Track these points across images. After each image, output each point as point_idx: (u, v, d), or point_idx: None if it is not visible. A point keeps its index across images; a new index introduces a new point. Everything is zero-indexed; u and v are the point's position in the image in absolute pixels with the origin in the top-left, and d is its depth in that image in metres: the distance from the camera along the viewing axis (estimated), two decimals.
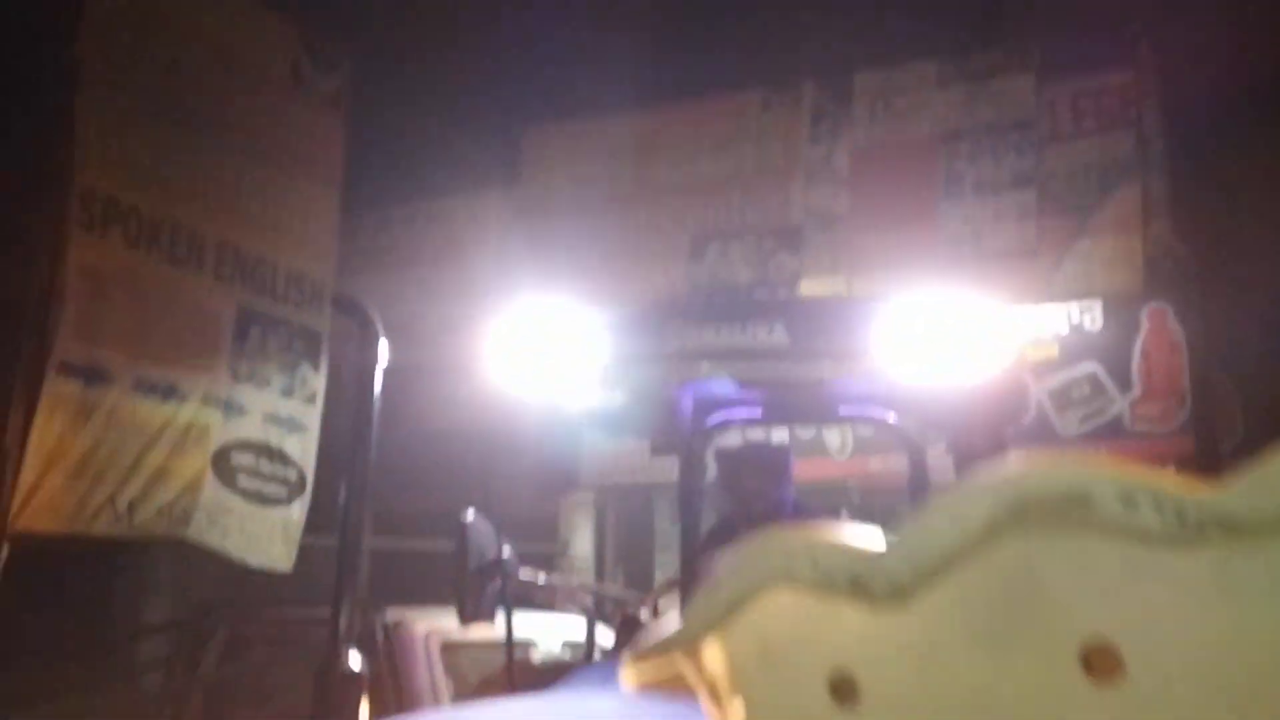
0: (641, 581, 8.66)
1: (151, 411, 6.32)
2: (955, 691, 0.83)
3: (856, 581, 0.87)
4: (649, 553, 9.85)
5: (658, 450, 4.84)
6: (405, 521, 7.98)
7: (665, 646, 0.98)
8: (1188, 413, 7.56)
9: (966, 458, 3.39)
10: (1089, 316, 7.86)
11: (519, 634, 6.53)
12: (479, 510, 3.26)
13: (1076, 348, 7.85)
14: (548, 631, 6.30)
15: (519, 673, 3.88)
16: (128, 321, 6.21)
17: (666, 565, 9.00)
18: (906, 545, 0.86)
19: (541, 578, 3.76)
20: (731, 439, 4.54)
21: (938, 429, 3.85)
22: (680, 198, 8.50)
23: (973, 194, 7.83)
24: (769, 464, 4.04)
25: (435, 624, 5.45)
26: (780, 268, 7.93)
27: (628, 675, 1.08)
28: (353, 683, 3.15)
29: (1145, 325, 7.79)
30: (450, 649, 5.41)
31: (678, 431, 4.50)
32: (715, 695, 0.98)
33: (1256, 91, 7.22)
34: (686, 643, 0.96)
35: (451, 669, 5.39)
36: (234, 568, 6.61)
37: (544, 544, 8.93)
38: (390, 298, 8.43)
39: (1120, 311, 7.75)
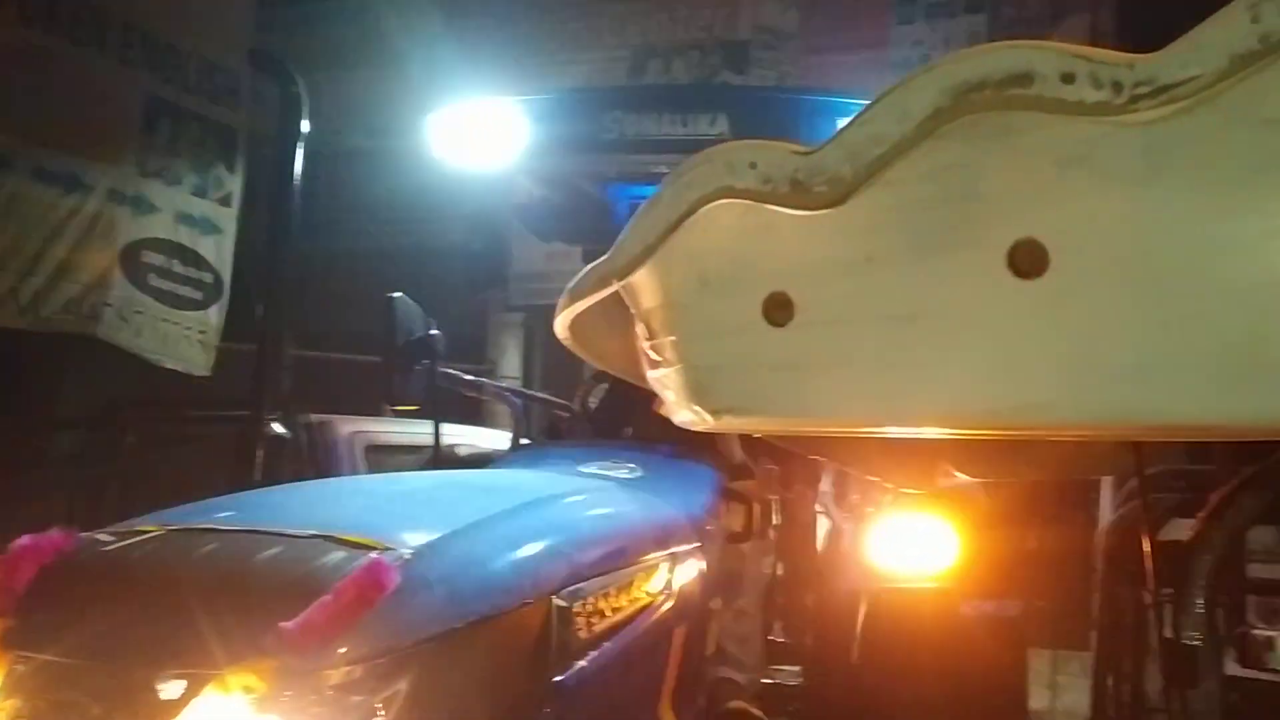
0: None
1: (54, 202, 5.99)
2: (888, 300, 0.78)
3: (797, 182, 0.75)
4: (578, 378, 9.77)
5: (591, 257, 4.66)
6: (330, 341, 7.79)
7: (602, 275, 0.86)
8: None
9: None
10: None
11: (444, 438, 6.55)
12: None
13: None
14: (473, 438, 6.24)
15: (445, 464, 3.79)
16: (24, 104, 5.81)
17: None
18: (847, 140, 0.76)
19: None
20: None
21: None
22: (620, 5, 8.12)
23: (925, 17, 7.59)
24: None
25: (360, 425, 5.33)
26: None
27: (560, 324, 0.95)
28: (279, 444, 3.02)
29: None
30: (375, 451, 5.30)
31: (611, 235, 4.35)
32: (649, 330, 0.86)
33: None
34: (624, 269, 0.84)
35: (376, 470, 5.31)
36: (151, 369, 6.41)
37: (471, 365, 8.83)
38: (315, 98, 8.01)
39: None
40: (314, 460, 5.21)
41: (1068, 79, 0.68)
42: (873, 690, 3.14)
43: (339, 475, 5.04)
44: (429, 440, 6.49)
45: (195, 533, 1.73)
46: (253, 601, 1.53)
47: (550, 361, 9.45)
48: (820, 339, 0.78)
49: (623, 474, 2.75)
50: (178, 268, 6.65)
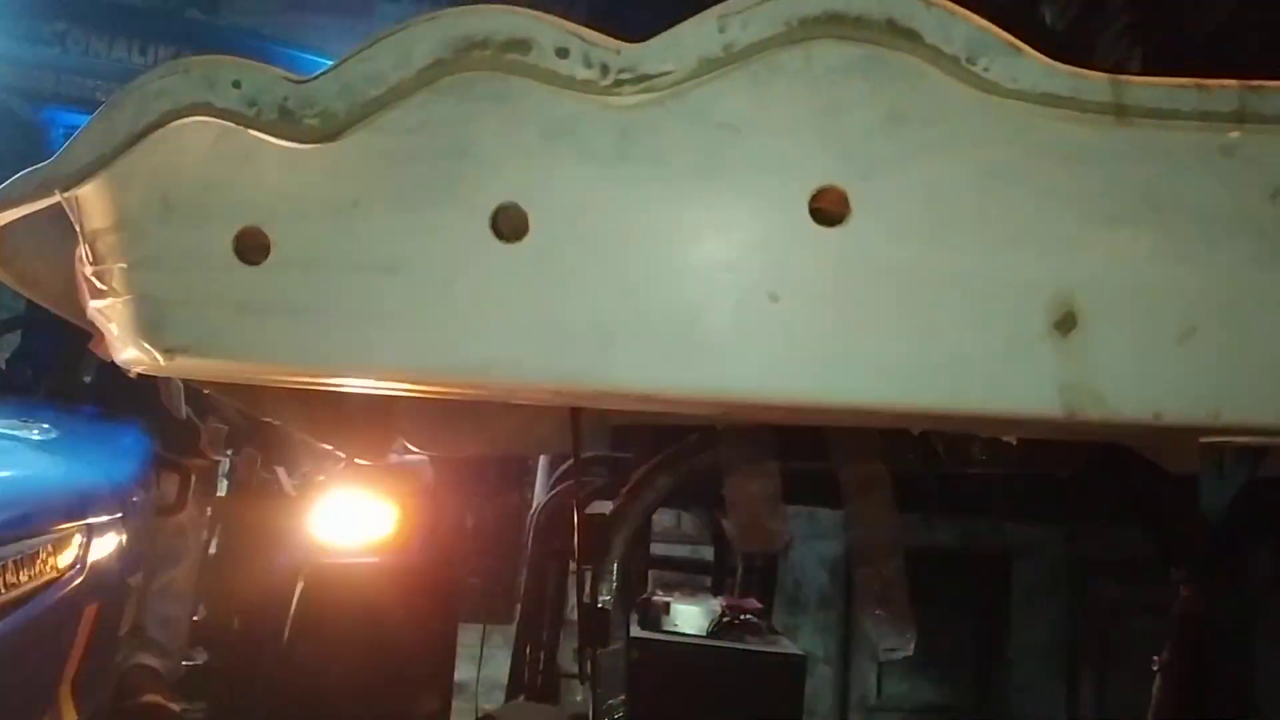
0: None
1: None
2: (369, 249, 0.76)
3: (286, 111, 0.72)
4: None
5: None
6: None
7: (43, 182, 0.74)
8: None
9: None
10: None
11: None
12: None
13: None
14: None
15: None
16: None
17: None
18: (344, 75, 0.74)
19: None
20: None
21: None
22: None
23: None
24: None
25: None
26: None
27: None
28: None
29: None
30: None
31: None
32: (95, 254, 0.76)
33: None
34: (71, 179, 0.73)
35: None
36: None
37: None
38: None
39: None
40: None
41: (562, 53, 0.71)
42: (302, 667, 3.07)
43: None
44: None
45: None
46: None
47: None
48: (295, 282, 0.74)
49: (33, 434, 2.43)
50: None
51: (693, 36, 0.70)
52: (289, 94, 0.71)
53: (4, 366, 3.28)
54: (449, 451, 2.41)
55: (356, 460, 2.75)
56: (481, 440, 2.14)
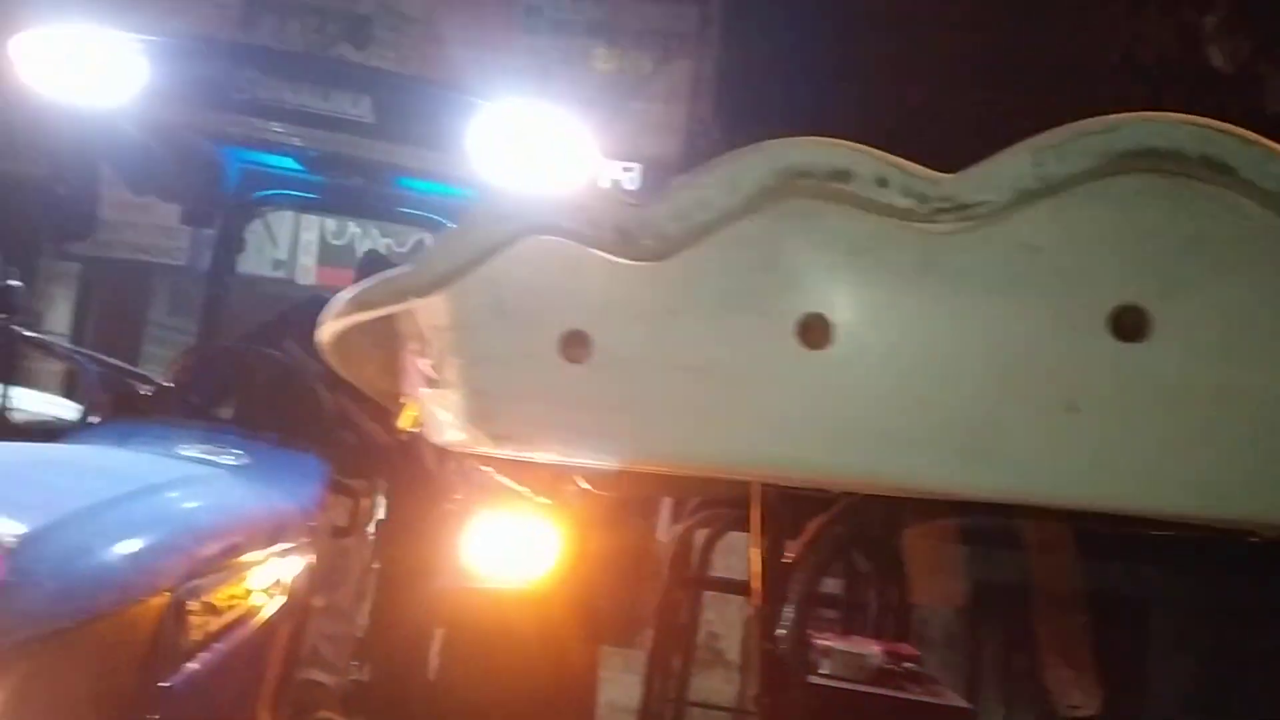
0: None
1: None
2: (683, 351, 0.83)
3: (625, 232, 0.79)
4: (136, 345, 8.91)
5: (192, 219, 4.29)
6: None
7: (399, 289, 0.83)
8: None
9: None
10: (629, 177, 8.25)
11: None
12: None
13: None
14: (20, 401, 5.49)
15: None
16: None
17: (156, 359, 8.21)
18: (678, 201, 0.80)
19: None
20: None
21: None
22: None
23: (549, 31, 7.81)
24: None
25: None
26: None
27: (332, 330, 0.90)
28: None
29: None
30: None
31: (217, 200, 4.00)
32: (431, 350, 0.84)
33: None
34: (427, 288, 0.82)
35: None
36: None
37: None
38: None
39: (656, 177, 8.21)
40: None
41: (882, 183, 0.77)
42: (452, 688, 3.18)
43: None
44: None
45: None
46: None
47: (107, 325, 8.56)
48: (613, 379, 0.81)
49: (229, 460, 2.58)
50: None
51: (1010, 170, 0.74)
52: (628, 217, 0.78)
53: (188, 390, 3.47)
54: (623, 493, 2.48)
55: (538, 498, 2.84)
56: (656, 485, 2.20)
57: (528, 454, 0.86)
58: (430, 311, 0.83)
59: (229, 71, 3.08)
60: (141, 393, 3.69)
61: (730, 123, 8.02)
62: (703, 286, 0.80)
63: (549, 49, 7.85)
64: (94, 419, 3.46)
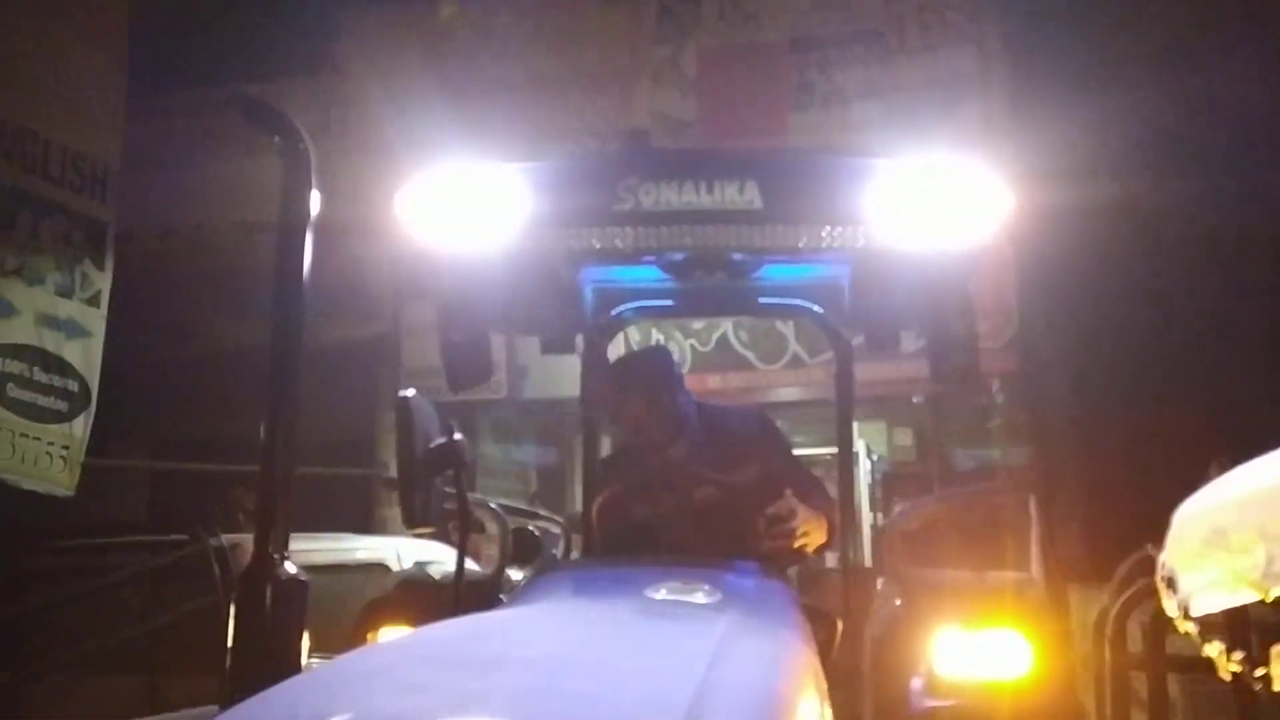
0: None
1: None
2: None
3: None
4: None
5: (551, 347, 4.19)
6: (211, 449, 7.06)
7: None
8: (1014, 330, 7.75)
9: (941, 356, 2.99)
10: None
11: (361, 554, 5.87)
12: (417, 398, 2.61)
13: None
14: (390, 552, 5.67)
15: (418, 592, 3.29)
16: None
17: (491, 490, 8.41)
18: None
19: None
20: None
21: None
22: (515, 94, 7.88)
23: (821, 104, 7.67)
24: (647, 374, 3.37)
25: None
26: None
27: None
28: (295, 589, 2.45)
29: None
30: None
31: (576, 323, 3.89)
32: None
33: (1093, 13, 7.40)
34: None
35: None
36: (8, 493, 5.60)
37: (354, 467, 8.20)
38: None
39: None
40: (227, 590, 4.58)
41: None
42: None
43: None
44: (343, 557, 5.83)
45: None
46: None
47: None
48: None
49: (709, 599, 2.39)
50: (40, 376, 5.89)
51: None
52: None
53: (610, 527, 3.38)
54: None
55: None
56: None
57: None
58: None
59: (610, 182, 2.92)
60: (529, 537, 3.61)
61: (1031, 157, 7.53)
62: None
63: (824, 121, 7.68)
64: (512, 570, 3.42)
